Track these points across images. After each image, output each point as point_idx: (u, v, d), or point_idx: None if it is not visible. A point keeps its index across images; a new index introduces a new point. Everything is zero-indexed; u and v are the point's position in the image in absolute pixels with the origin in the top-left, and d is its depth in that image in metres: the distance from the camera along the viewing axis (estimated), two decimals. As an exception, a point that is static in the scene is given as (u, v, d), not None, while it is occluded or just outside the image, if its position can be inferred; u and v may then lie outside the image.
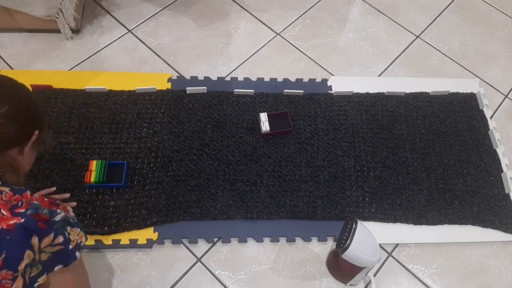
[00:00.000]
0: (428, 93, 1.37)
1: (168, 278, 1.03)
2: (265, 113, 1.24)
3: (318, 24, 1.55)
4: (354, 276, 0.99)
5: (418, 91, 1.37)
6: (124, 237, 1.06)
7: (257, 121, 1.25)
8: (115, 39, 1.43)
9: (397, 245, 1.12)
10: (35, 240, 0.65)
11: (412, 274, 1.09)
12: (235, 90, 1.30)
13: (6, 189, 0.69)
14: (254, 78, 1.37)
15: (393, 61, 1.48)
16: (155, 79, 1.32)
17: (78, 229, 0.75)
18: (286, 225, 1.11)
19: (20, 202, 0.66)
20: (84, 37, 1.42)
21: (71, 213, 0.75)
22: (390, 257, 1.11)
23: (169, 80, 1.33)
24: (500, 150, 1.27)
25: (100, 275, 1.02)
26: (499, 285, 1.09)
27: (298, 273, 1.06)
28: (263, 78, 1.37)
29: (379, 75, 1.44)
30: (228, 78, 1.37)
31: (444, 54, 1.51)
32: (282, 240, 1.10)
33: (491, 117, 1.36)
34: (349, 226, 0.92)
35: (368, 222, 1.13)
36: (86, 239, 0.78)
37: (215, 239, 1.09)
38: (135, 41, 1.44)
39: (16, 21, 1.34)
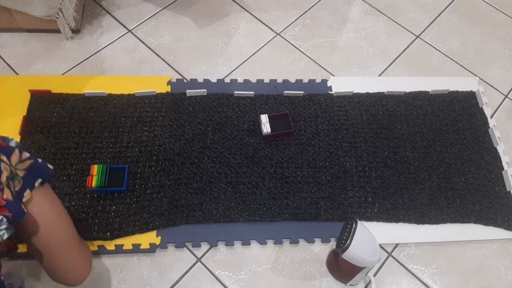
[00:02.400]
0: (428, 92, 1.36)
1: (168, 278, 1.02)
2: (266, 114, 1.22)
3: (318, 24, 1.54)
4: (354, 276, 0.99)
5: (417, 90, 1.36)
6: (127, 242, 1.04)
7: (258, 123, 1.24)
8: (115, 39, 1.42)
9: (397, 245, 1.12)
10: (3, 157, 0.67)
11: (412, 274, 1.08)
12: (235, 92, 1.29)
13: None
14: (254, 78, 1.36)
15: (393, 61, 1.47)
16: (155, 82, 1.30)
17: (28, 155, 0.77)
18: (289, 227, 1.10)
19: None
20: (84, 37, 1.41)
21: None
22: (390, 257, 1.11)
23: (169, 83, 1.31)
24: (500, 148, 1.26)
25: (100, 275, 1.01)
26: (499, 285, 1.08)
27: (298, 273, 1.06)
28: (263, 80, 1.35)
29: (379, 75, 1.43)
30: (228, 78, 1.35)
31: (444, 54, 1.51)
32: (286, 242, 1.09)
33: (491, 117, 1.35)
34: (349, 226, 0.92)
35: (371, 222, 1.12)
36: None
37: (219, 243, 1.07)
38: (135, 41, 1.43)
39: (16, 21, 1.32)
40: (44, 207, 0.77)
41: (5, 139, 0.72)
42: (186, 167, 1.15)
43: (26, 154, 0.72)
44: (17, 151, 0.70)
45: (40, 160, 0.75)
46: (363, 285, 1.06)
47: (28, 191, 0.71)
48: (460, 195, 1.18)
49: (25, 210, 0.69)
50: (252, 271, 1.05)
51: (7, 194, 0.66)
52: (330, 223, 1.11)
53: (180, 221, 1.08)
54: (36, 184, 0.73)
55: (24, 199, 0.70)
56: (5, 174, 0.66)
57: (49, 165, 0.77)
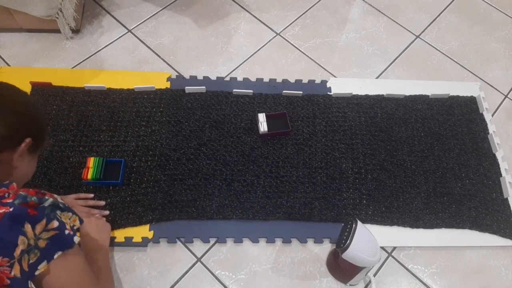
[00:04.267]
0: (428, 96, 1.34)
1: (168, 278, 1.02)
2: (263, 113, 1.22)
3: (318, 24, 1.53)
4: (354, 276, 0.98)
5: (417, 93, 1.34)
6: (120, 235, 1.04)
7: (255, 122, 1.23)
8: (115, 39, 1.42)
9: (394, 248, 1.11)
10: (28, 227, 0.64)
11: (412, 274, 1.08)
12: (234, 90, 1.29)
13: None
14: (254, 78, 1.35)
15: (393, 61, 1.47)
16: (154, 78, 1.31)
17: (70, 213, 0.74)
18: (282, 226, 1.09)
19: (6, 194, 0.66)
20: (84, 37, 1.41)
21: (59, 199, 0.74)
22: (390, 257, 1.10)
23: (168, 79, 1.31)
24: (499, 154, 1.24)
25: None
26: (499, 285, 1.07)
27: (298, 273, 1.05)
28: (262, 79, 1.35)
29: (379, 75, 1.42)
30: (228, 78, 1.35)
31: (444, 54, 1.50)
32: (278, 241, 1.08)
33: (492, 116, 1.34)
34: (349, 226, 0.91)
35: (365, 224, 1.11)
36: (81, 222, 0.76)
37: (211, 239, 1.07)
38: (135, 41, 1.43)
39: (16, 21, 1.32)
40: (62, 278, 0.73)
41: (41, 200, 0.68)
42: (182, 163, 1.15)
43: (54, 224, 0.68)
44: (44, 220, 0.67)
45: (67, 231, 0.71)
46: (363, 285, 1.05)
47: (44, 263, 0.68)
48: (456, 201, 1.16)
49: None
50: (252, 271, 1.05)
51: (15, 270, 0.63)
52: (324, 224, 1.10)
53: (174, 216, 1.07)
54: (55, 256, 0.69)
55: (37, 272, 0.67)
56: (20, 248, 0.63)
57: (76, 237, 0.73)
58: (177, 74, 1.35)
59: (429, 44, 1.51)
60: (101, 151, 1.15)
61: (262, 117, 1.22)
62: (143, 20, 1.47)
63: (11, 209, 0.63)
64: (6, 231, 0.62)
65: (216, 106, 1.26)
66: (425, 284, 1.06)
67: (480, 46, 1.52)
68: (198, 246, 1.07)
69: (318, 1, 1.59)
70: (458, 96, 1.36)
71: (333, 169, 1.18)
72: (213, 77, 1.35)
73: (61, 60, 1.35)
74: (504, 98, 1.41)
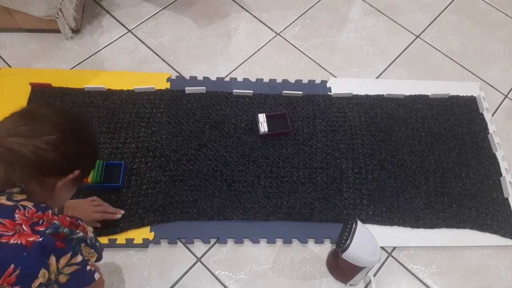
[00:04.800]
0: (428, 95, 1.34)
1: (168, 278, 1.02)
2: (264, 114, 1.22)
3: (318, 24, 1.53)
4: (354, 276, 0.98)
5: (418, 93, 1.34)
6: (121, 237, 1.04)
7: (256, 122, 1.23)
8: (115, 39, 1.42)
9: (394, 248, 1.11)
10: (52, 260, 0.63)
11: (412, 274, 1.07)
12: (234, 90, 1.28)
13: (30, 205, 0.67)
14: (254, 78, 1.35)
15: (393, 61, 1.46)
16: (154, 79, 1.30)
17: (92, 250, 0.72)
18: (283, 226, 1.09)
19: (41, 220, 0.65)
20: (84, 37, 1.41)
21: (90, 234, 0.73)
22: (390, 257, 1.10)
23: (168, 79, 1.31)
24: (499, 154, 1.24)
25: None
26: (499, 285, 1.07)
27: (298, 273, 1.05)
28: (262, 79, 1.34)
29: (379, 75, 1.42)
30: (228, 78, 1.35)
31: (444, 54, 1.49)
32: (278, 241, 1.08)
33: (492, 116, 1.34)
34: (349, 226, 0.91)
35: (366, 224, 1.10)
36: (99, 259, 0.75)
37: (211, 240, 1.07)
38: (135, 41, 1.43)
39: (16, 21, 1.32)
40: None
41: (72, 232, 0.67)
42: (182, 163, 1.15)
43: (77, 258, 0.67)
44: (69, 254, 0.66)
45: (88, 267, 0.70)
46: (363, 285, 1.05)
47: None
48: (456, 200, 1.16)
49: None
50: (252, 271, 1.05)
51: None
52: (324, 224, 1.10)
53: (175, 217, 1.07)
54: None
55: None
56: (39, 281, 0.62)
57: (97, 273, 0.72)
58: (177, 74, 1.35)
59: (429, 44, 1.51)
60: (101, 153, 1.15)
61: (262, 117, 1.21)
62: (143, 20, 1.47)
63: (41, 239, 0.62)
64: (31, 261, 0.61)
65: (216, 107, 1.26)
66: (425, 284, 1.06)
67: (480, 46, 1.52)
68: (198, 247, 1.07)
69: (318, 1, 1.59)
70: (458, 96, 1.36)
71: (334, 169, 1.18)
72: (213, 77, 1.35)
73: (61, 60, 1.35)
74: (504, 98, 1.41)
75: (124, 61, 1.37)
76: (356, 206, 1.13)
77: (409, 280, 1.06)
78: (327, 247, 1.09)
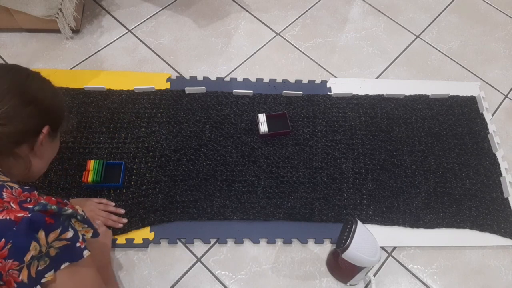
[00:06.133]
0: (428, 95, 1.34)
1: (168, 278, 1.02)
2: (264, 114, 1.21)
3: (318, 24, 1.53)
4: (354, 276, 0.98)
5: (418, 93, 1.34)
6: (121, 237, 1.04)
7: (256, 122, 1.23)
8: (115, 39, 1.42)
9: (394, 248, 1.11)
10: (41, 234, 0.64)
11: (412, 274, 1.07)
12: (234, 90, 1.28)
13: (16, 186, 0.68)
14: (254, 78, 1.34)
15: (393, 61, 1.46)
16: (154, 79, 1.30)
17: (86, 225, 0.73)
18: (283, 226, 1.09)
19: (29, 199, 0.66)
20: (84, 37, 1.41)
21: (80, 212, 0.73)
22: (390, 257, 1.10)
23: (168, 79, 1.30)
24: (499, 154, 1.24)
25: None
26: (499, 285, 1.07)
27: (298, 273, 1.05)
28: (262, 79, 1.34)
29: (379, 75, 1.42)
30: (228, 78, 1.34)
31: (444, 54, 1.49)
32: (278, 241, 1.08)
33: (492, 115, 1.33)
34: (349, 226, 0.91)
35: (366, 224, 1.09)
36: (96, 235, 0.75)
37: (211, 240, 1.07)
38: (135, 41, 1.43)
39: (16, 21, 1.31)
40: (69, 286, 0.72)
41: (60, 210, 0.67)
42: (182, 163, 1.15)
43: (67, 234, 0.68)
44: (58, 230, 0.66)
45: (78, 244, 0.70)
46: (363, 285, 1.05)
47: (51, 272, 0.67)
48: (456, 200, 1.16)
49: None
50: (252, 271, 1.05)
51: (23, 275, 0.63)
52: (324, 224, 1.10)
53: (175, 217, 1.07)
54: (62, 266, 0.69)
55: (43, 280, 0.66)
56: (31, 253, 0.63)
57: (86, 251, 0.72)
58: (177, 74, 1.35)
59: (429, 44, 1.51)
60: (101, 153, 1.15)
61: (262, 117, 1.21)
62: (143, 20, 1.47)
63: (29, 215, 0.63)
64: (21, 236, 0.62)
65: (216, 107, 1.26)
66: (425, 284, 1.06)
67: (480, 46, 1.52)
68: (198, 247, 1.07)
69: (318, 1, 1.59)
70: (458, 96, 1.36)
71: (334, 169, 1.18)
72: (213, 77, 1.34)
73: (61, 60, 1.35)
74: (504, 98, 1.41)
75: (124, 61, 1.37)
76: (356, 206, 1.13)
77: (409, 280, 1.06)
78: (327, 247, 1.09)
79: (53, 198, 0.69)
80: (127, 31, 1.44)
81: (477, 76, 1.44)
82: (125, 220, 1.06)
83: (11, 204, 0.64)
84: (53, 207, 0.66)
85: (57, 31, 1.36)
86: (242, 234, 1.08)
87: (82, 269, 0.73)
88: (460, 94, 1.36)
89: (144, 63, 1.37)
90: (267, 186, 1.13)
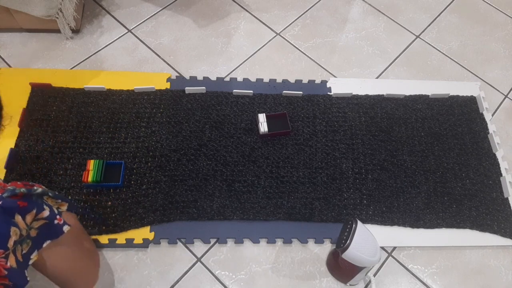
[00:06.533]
0: (428, 95, 1.33)
1: (168, 278, 1.01)
2: (264, 114, 1.21)
3: (318, 24, 1.53)
4: (354, 276, 0.97)
5: (418, 93, 1.34)
6: (121, 237, 1.04)
7: (256, 122, 1.23)
8: (115, 39, 1.42)
9: (394, 248, 1.10)
10: (18, 218, 0.65)
11: (412, 274, 1.07)
12: (234, 90, 1.28)
13: None
14: (254, 78, 1.34)
15: (393, 61, 1.46)
16: (154, 79, 1.30)
17: (59, 200, 0.73)
18: (283, 226, 1.09)
19: None
20: (84, 37, 1.40)
21: (50, 190, 0.74)
22: (390, 257, 1.09)
23: (168, 79, 1.30)
24: (499, 154, 1.23)
25: (100, 275, 1.01)
26: (499, 285, 1.06)
27: (298, 273, 1.05)
28: (262, 79, 1.34)
29: (379, 75, 1.41)
30: (228, 78, 1.34)
31: (444, 54, 1.49)
32: (278, 241, 1.08)
33: (492, 115, 1.33)
34: (349, 226, 0.91)
35: (366, 224, 1.09)
36: (73, 210, 0.76)
37: (211, 239, 1.07)
38: (135, 41, 1.42)
39: (16, 21, 1.31)
40: (56, 265, 0.74)
41: (29, 191, 0.68)
42: (182, 163, 1.14)
43: (44, 213, 0.69)
44: (34, 210, 0.67)
45: (56, 221, 0.71)
46: (363, 285, 1.05)
47: (35, 252, 0.68)
48: (456, 200, 1.15)
49: (28, 279, 0.67)
50: (252, 271, 1.04)
51: (11, 261, 0.64)
52: (324, 224, 1.10)
53: (175, 217, 1.07)
54: (45, 245, 0.70)
55: (30, 262, 0.67)
56: (13, 239, 0.64)
57: (66, 226, 0.73)
58: (177, 74, 1.35)
59: (429, 44, 1.51)
60: (101, 152, 1.15)
61: (262, 117, 1.21)
62: (143, 20, 1.47)
63: (0, 202, 0.63)
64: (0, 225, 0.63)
65: (216, 107, 1.25)
66: (425, 284, 1.06)
67: (480, 46, 1.52)
68: (198, 246, 1.07)
69: (318, 1, 1.59)
70: (458, 96, 1.35)
71: (334, 169, 1.18)
72: (213, 77, 1.34)
73: (61, 60, 1.35)
74: (504, 98, 1.41)
75: (124, 61, 1.37)
76: (356, 206, 1.13)
77: (409, 280, 1.06)
78: (327, 247, 1.09)
79: (18, 182, 0.69)
80: (127, 31, 1.44)
81: (477, 76, 1.44)
82: None
83: None
84: (21, 190, 0.66)
85: (57, 31, 1.36)
86: (242, 234, 1.08)
87: (65, 243, 0.74)
88: (460, 94, 1.36)
89: (144, 63, 1.37)
90: (267, 186, 1.13)
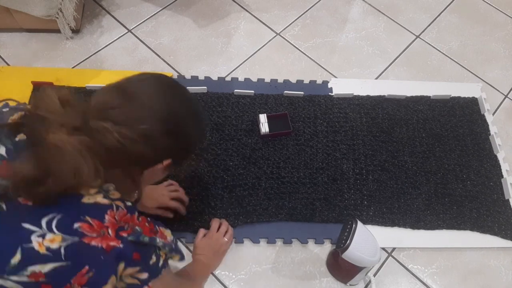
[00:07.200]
0: (429, 97, 1.32)
1: (168, 278, 1.03)
2: (265, 114, 1.20)
3: (318, 24, 1.51)
4: (354, 276, 0.97)
5: (419, 94, 1.33)
6: None
7: (256, 123, 1.21)
8: (115, 39, 1.40)
9: (394, 248, 1.10)
10: (121, 266, 0.61)
11: (412, 274, 1.07)
12: (235, 90, 1.26)
13: (122, 205, 0.64)
14: (254, 78, 1.33)
15: (393, 61, 1.45)
16: (155, 79, 1.31)
17: (173, 253, 0.70)
18: (283, 226, 1.08)
19: (126, 225, 0.62)
20: (84, 37, 1.39)
21: (169, 238, 0.69)
22: (390, 257, 1.09)
23: (169, 79, 1.32)
24: (500, 156, 1.22)
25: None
26: (499, 285, 1.06)
27: (298, 273, 1.04)
28: (263, 79, 1.33)
29: (379, 75, 1.40)
30: (228, 78, 1.34)
31: (444, 54, 1.48)
32: (279, 241, 1.07)
33: (492, 115, 1.33)
34: (349, 226, 0.90)
35: (366, 225, 1.10)
36: (183, 259, 0.73)
37: None
38: (135, 41, 1.41)
39: (16, 21, 1.29)
40: None
41: (151, 241, 0.64)
42: (183, 169, 1.12)
43: (142, 275, 0.64)
44: (138, 268, 0.63)
45: (146, 287, 0.66)
46: (363, 285, 1.05)
47: None
48: (457, 202, 1.15)
49: None
50: (252, 271, 1.04)
51: None
52: (325, 225, 1.09)
53: (178, 228, 1.04)
54: None
55: None
56: (108, 287, 0.59)
57: (160, 262, 0.68)
58: (177, 74, 1.35)
59: (429, 44, 1.51)
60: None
61: (263, 117, 1.20)
62: (143, 20, 1.47)
63: (121, 246, 0.59)
64: (106, 267, 0.59)
65: (217, 108, 1.24)
66: (425, 284, 1.06)
67: (480, 46, 1.52)
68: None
69: (318, 1, 1.58)
70: (459, 97, 1.34)
71: (334, 170, 1.17)
72: (214, 77, 1.34)
73: (61, 60, 1.34)
74: (504, 98, 1.41)
75: (124, 61, 1.36)
76: (357, 206, 1.12)
77: (409, 280, 1.06)
78: (327, 247, 1.09)
79: (146, 224, 0.65)
80: (127, 31, 1.44)
81: (477, 76, 1.44)
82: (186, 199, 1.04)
83: (109, 230, 0.60)
84: (145, 239, 0.62)
85: (57, 31, 1.35)
86: (242, 234, 1.07)
87: None
88: (462, 96, 1.35)
89: (144, 63, 1.36)
90: (268, 187, 1.12)
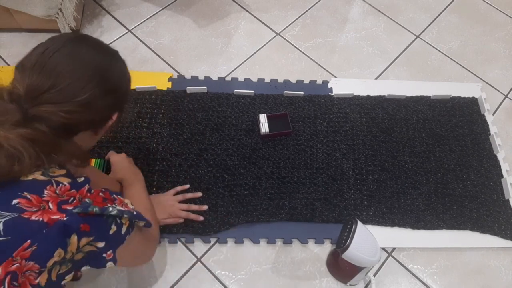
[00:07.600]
0: (429, 97, 1.32)
1: (168, 278, 1.00)
2: (265, 114, 1.19)
3: (318, 24, 1.51)
4: (354, 276, 0.96)
5: (419, 94, 1.32)
6: None
7: (256, 123, 1.21)
8: (115, 39, 1.40)
9: (394, 248, 1.09)
10: (74, 239, 0.61)
11: (412, 274, 1.06)
12: (235, 90, 1.26)
13: (66, 181, 0.64)
14: (254, 78, 1.32)
15: (393, 61, 1.45)
16: (156, 78, 1.28)
17: (136, 219, 0.70)
18: (283, 226, 1.07)
19: (71, 198, 0.62)
20: (84, 37, 1.42)
21: (130, 206, 0.69)
22: (390, 257, 1.09)
23: (170, 79, 1.28)
24: (500, 156, 1.22)
25: (100, 275, 1.00)
26: (499, 285, 1.05)
27: (298, 273, 1.04)
28: (263, 79, 1.32)
29: (379, 75, 1.40)
30: (228, 78, 1.33)
31: (444, 54, 1.48)
32: (279, 241, 1.07)
33: (492, 115, 1.33)
34: (349, 226, 0.90)
35: (366, 225, 1.08)
36: (149, 226, 0.73)
37: (212, 239, 1.05)
38: (135, 41, 1.41)
39: (16, 21, 1.29)
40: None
41: (102, 211, 0.63)
42: (184, 170, 1.12)
43: (99, 244, 0.65)
44: (91, 237, 0.63)
45: (104, 255, 0.67)
46: (363, 285, 1.05)
47: (71, 274, 0.65)
48: (457, 202, 1.14)
49: None
50: (252, 271, 1.04)
51: (41, 279, 0.59)
52: (325, 224, 1.08)
53: (178, 230, 1.04)
54: (83, 268, 0.66)
55: (63, 282, 0.64)
56: (54, 260, 0.60)
57: (110, 262, 0.68)
58: (177, 74, 1.35)
59: (429, 44, 1.51)
60: (102, 152, 1.12)
61: (263, 118, 1.20)
62: (143, 20, 1.47)
63: (65, 218, 0.59)
64: (49, 240, 0.59)
65: (217, 108, 1.23)
66: (425, 284, 1.06)
67: (480, 46, 1.52)
68: (198, 246, 1.06)
69: (318, 1, 1.58)
70: (459, 97, 1.33)
71: (334, 170, 1.16)
72: (214, 77, 1.34)
73: (61, 60, 1.35)
74: (504, 98, 1.40)
75: (124, 61, 1.36)
76: (357, 206, 1.11)
77: (409, 280, 1.06)
78: (327, 247, 1.09)
79: (100, 193, 0.65)
80: (127, 31, 1.44)
81: (477, 76, 1.43)
82: (205, 207, 1.05)
83: (49, 204, 0.60)
84: (95, 209, 0.62)
85: (57, 31, 1.35)
86: (242, 234, 1.06)
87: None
88: (462, 96, 1.34)
89: (144, 63, 1.36)
90: (268, 187, 1.12)
